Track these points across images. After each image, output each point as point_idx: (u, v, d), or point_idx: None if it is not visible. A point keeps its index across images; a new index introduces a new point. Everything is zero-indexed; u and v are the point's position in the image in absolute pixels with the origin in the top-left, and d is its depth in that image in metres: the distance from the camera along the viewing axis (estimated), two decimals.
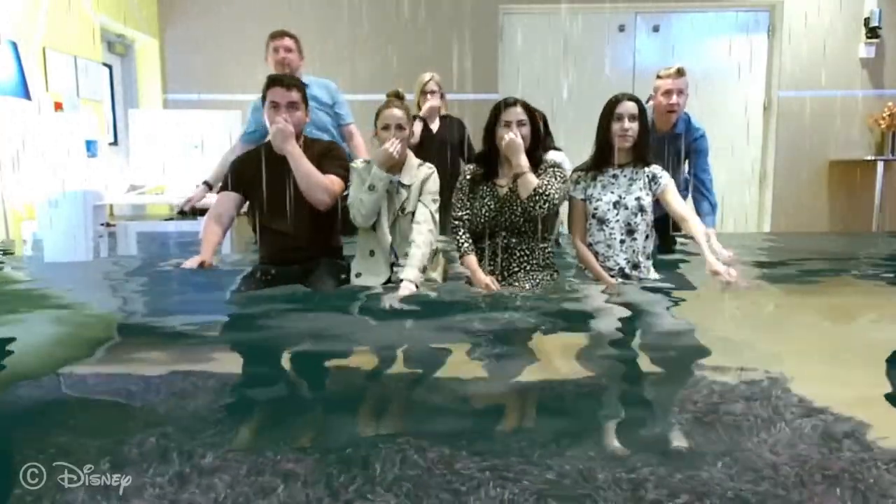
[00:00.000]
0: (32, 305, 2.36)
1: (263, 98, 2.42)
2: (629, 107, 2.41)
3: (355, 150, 3.35)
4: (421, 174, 2.46)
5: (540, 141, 2.49)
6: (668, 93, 2.95)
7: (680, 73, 2.96)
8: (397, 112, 2.39)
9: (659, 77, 3.02)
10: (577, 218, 2.56)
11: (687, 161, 3.11)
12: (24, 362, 1.76)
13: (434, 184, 2.47)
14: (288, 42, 3.19)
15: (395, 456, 1.14)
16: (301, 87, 2.43)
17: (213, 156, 3.39)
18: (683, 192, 3.04)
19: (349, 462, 1.13)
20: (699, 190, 3.11)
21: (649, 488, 1.04)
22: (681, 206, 2.51)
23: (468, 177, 2.51)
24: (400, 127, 2.38)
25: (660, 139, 2.98)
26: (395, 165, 2.41)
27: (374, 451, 1.15)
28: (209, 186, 3.20)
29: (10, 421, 1.37)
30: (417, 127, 3.33)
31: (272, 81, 2.40)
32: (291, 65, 3.15)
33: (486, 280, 2.37)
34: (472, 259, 2.43)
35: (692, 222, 2.45)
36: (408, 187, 2.44)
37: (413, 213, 2.44)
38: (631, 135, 2.42)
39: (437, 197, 2.48)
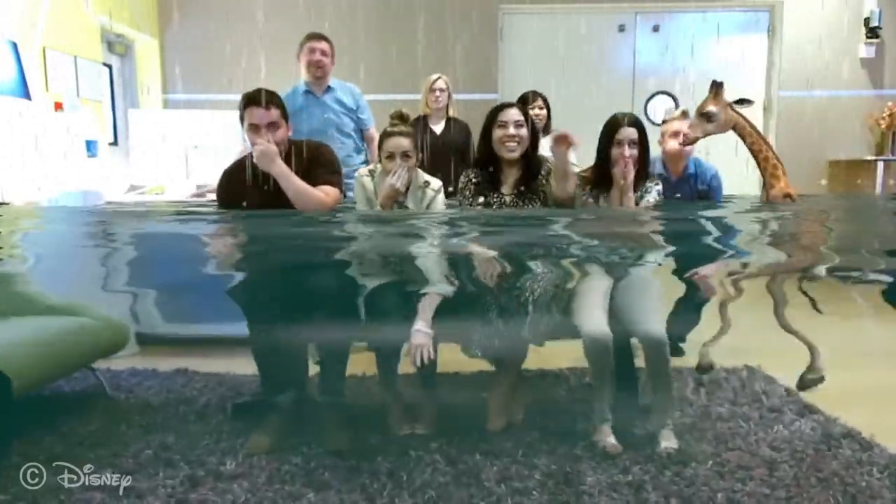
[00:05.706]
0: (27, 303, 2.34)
1: (241, 119, 2.30)
2: (629, 133, 2.34)
3: (373, 154, 3.38)
4: (426, 198, 2.34)
5: (537, 143, 2.46)
6: (675, 134, 2.90)
7: (685, 114, 2.92)
8: (403, 141, 2.27)
9: (664, 122, 3.01)
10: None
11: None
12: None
13: (438, 206, 2.36)
14: (325, 46, 3.36)
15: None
16: (279, 102, 2.29)
17: (212, 156, 3.38)
18: None
19: None
20: None
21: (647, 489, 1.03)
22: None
23: (473, 182, 2.40)
24: (406, 156, 2.27)
25: (673, 184, 2.98)
26: None
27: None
28: None
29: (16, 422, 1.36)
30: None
31: (248, 101, 2.26)
32: (324, 68, 3.35)
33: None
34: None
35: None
36: None
37: None
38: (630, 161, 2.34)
39: None
